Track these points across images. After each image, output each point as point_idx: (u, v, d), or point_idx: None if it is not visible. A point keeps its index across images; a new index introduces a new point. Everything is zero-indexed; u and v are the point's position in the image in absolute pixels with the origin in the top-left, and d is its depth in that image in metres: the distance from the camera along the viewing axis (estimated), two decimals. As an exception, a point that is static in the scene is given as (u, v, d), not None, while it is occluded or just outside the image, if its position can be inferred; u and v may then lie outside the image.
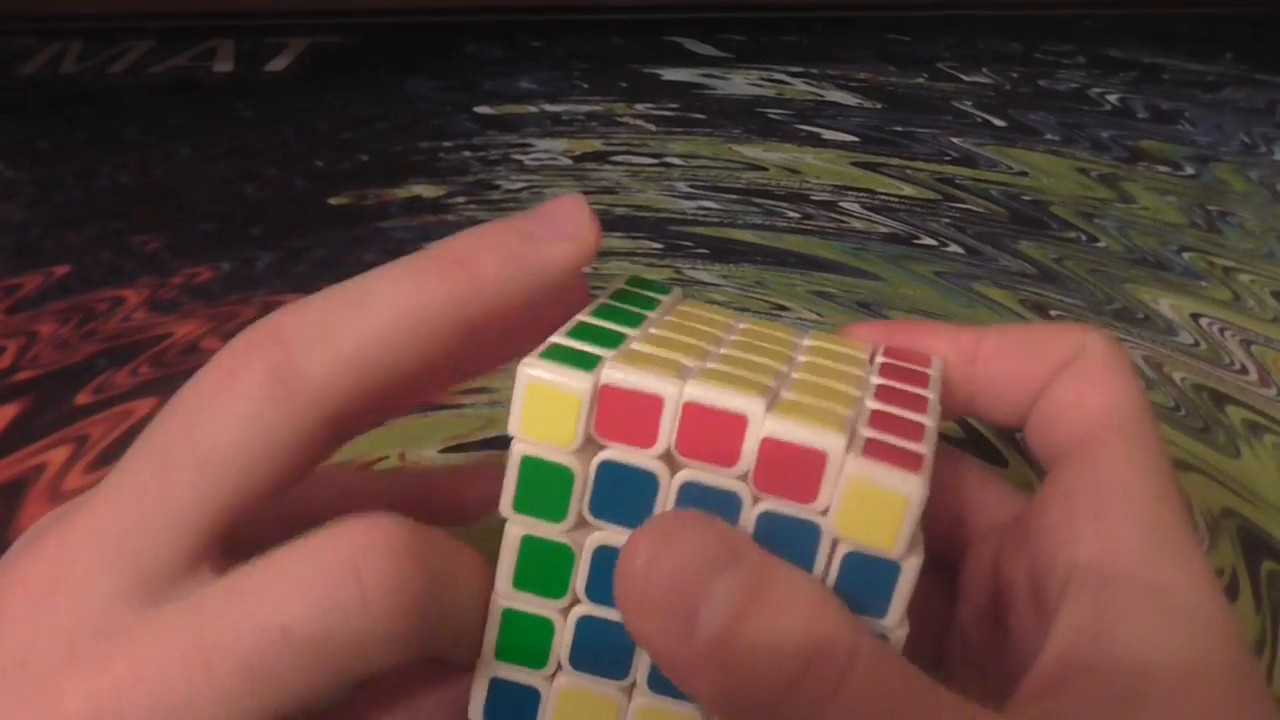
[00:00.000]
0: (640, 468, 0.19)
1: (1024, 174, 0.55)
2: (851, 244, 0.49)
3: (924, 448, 0.19)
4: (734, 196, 0.52)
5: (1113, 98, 0.63)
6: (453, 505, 0.25)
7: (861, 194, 0.53)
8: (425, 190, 0.52)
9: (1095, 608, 0.19)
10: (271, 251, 0.47)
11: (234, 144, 0.56)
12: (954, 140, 0.58)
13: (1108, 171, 0.55)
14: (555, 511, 0.19)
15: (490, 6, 0.70)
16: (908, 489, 0.18)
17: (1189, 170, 0.56)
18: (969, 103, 0.61)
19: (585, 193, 0.52)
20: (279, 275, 0.46)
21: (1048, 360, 0.22)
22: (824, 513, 0.18)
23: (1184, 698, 0.18)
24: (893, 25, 0.70)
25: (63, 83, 0.61)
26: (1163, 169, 0.56)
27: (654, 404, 0.18)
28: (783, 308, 0.45)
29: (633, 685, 0.20)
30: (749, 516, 0.18)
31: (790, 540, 0.18)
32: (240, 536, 0.19)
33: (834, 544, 0.18)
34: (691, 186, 0.53)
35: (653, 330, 0.21)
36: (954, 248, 0.49)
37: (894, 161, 0.55)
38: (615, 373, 0.18)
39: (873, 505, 0.18)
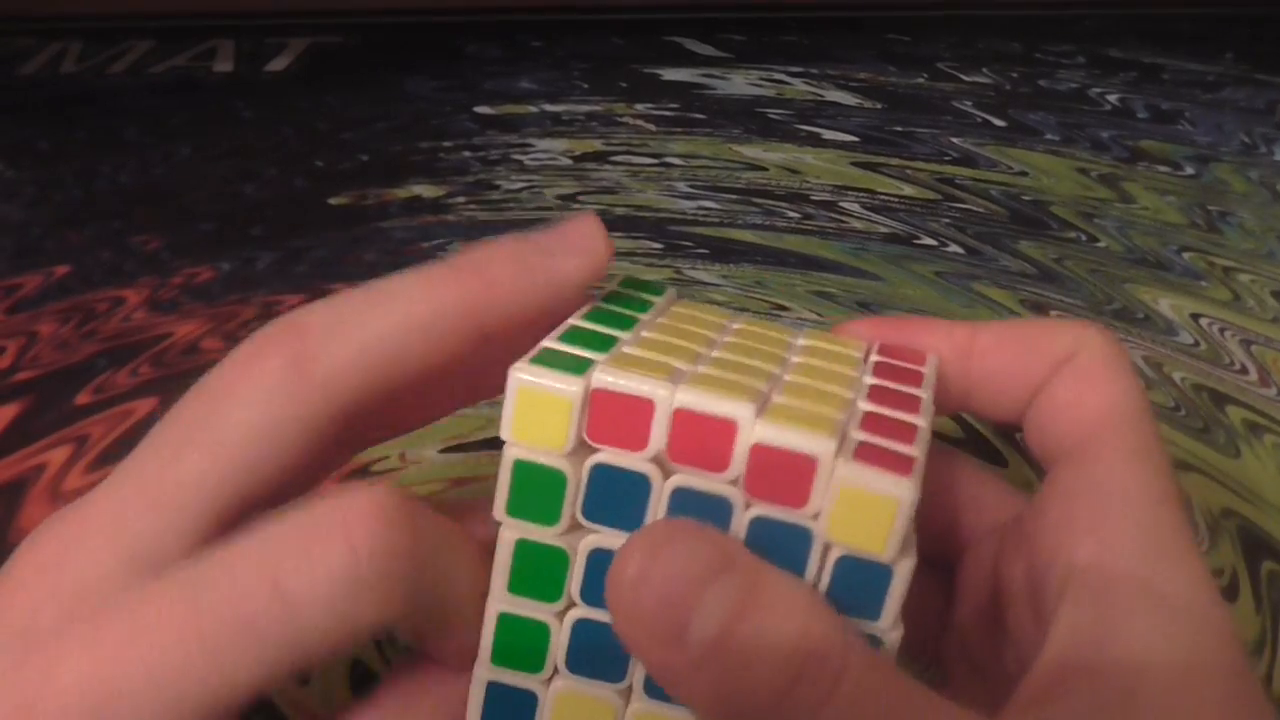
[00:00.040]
0: (633, 470, 0.19)
1: (1024, 174, 0.55)
2: (851, 244, 0.49)
3: (915, 450, 0.19)
4: (734, 196, 0.52)
5: (1113, 98, 0.63)
6: None
7: (861, 194, 0.53)
8: (425, 190, 0.52)
9: (1094, 609, 0.19)
10: (271, 251, 0.47)
11: (234, 144, 0.56)
12: (954, 140, 0.57)
13: (1108, 171, 0.55)
14: (549, 515, 0.19)
15: (490, 6, 0.70)
16: (899, 492, 0.18)
17: (1189, 170, 0.55)
18: (969, 103, 0.61)
19: (585, 193, 0.52)
20: (279, 275, 0.46)
21: (1045, 357, 0.22)
22: (815, 517, 0.18)
23: (1182, 699, 0.18)
24: (893, 25, 0.70)
25: (63, 83, 0.61)
26: (1163, 169, 0.55)
27: (645, 407, 0.18)
28: (783, 308, 0.45)
29: (629, 689, 0.20)
30: (740, 521, 0.19)
31: (782, 545, 0.18)
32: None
33: (826, 548, 0.18)
34: (691, 186, 0.53)
35: (645, 333, 0.21)
36: (954, 248, 0.49)
37: (894, 161, 0.55)
38: (606, 376, 0.19)
39: (864, 509, 0.18)
